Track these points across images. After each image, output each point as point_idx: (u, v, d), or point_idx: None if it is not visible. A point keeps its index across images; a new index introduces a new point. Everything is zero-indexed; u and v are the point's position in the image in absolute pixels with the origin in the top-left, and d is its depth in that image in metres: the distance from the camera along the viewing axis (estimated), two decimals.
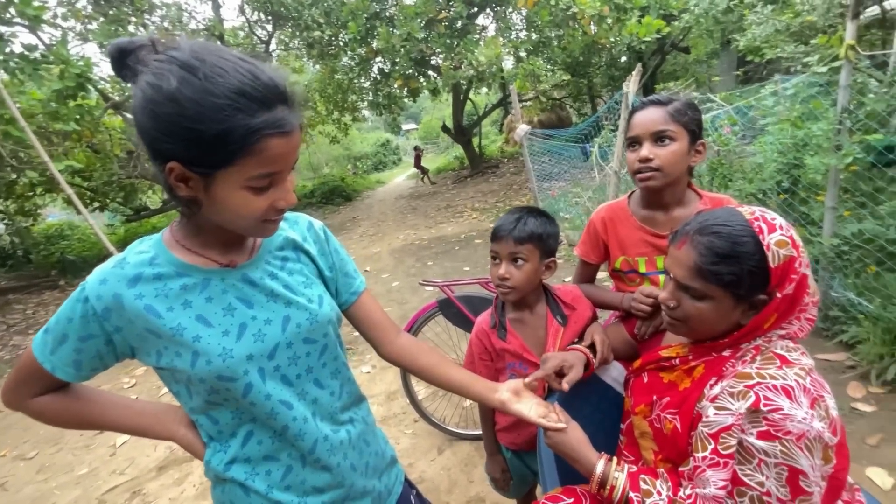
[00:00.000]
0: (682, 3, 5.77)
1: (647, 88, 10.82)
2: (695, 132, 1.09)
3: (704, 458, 0.76)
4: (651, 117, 1.07)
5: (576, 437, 0.90)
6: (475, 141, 15.35)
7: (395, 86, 8.39)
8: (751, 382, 0.74)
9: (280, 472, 0.75)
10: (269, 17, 10.09)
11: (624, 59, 11.10)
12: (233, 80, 0.56)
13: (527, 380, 0.93)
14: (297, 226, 0.84)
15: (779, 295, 0.75)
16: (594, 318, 1.23)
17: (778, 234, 0.75)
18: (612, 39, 7.14)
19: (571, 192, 5.86)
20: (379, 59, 9.10)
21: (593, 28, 7.17)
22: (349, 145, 23.19)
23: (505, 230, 1.11)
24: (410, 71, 8.25)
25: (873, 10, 2.48)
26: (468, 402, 2.55)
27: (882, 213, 2.48)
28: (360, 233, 8.88)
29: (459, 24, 7.99)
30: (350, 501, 0.81)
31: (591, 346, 1.08)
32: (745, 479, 0.71)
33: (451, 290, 2.19)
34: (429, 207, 10.06)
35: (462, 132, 13.84)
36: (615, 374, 1.14)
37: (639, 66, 3.75)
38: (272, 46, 11.32)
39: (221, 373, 0.68)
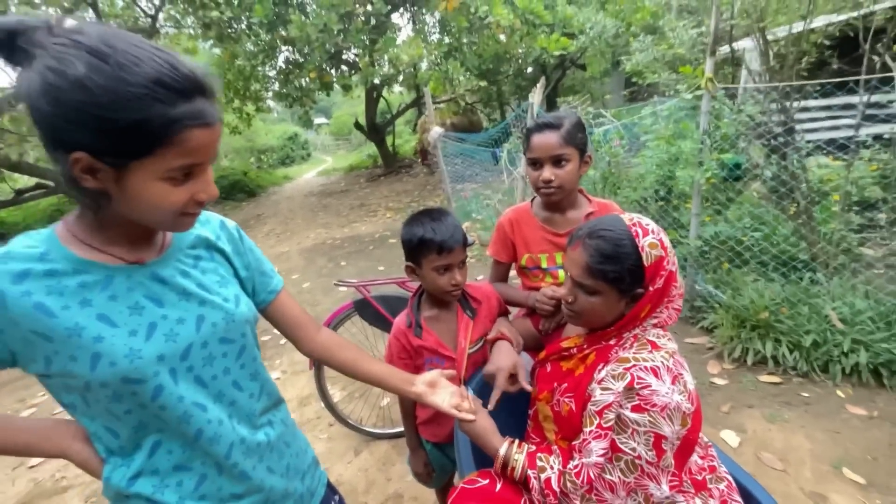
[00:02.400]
0: (581, 25, 6.34)
1: (549, 100, 11.66)
2: (583, 149, 1.25)
3: (591, 431, 0.88)
4: (548, 142, 1.21)
5: (482, 426, 0.98)
6: (389, 140, 15.26)
7: (308, 78, 8.02)
8: (628, 365, 0.87)
9: (193, 482, 0.71)
10: None
11: (530, 70, 11.84)
12: (149, 69, 0.54)
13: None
14: (210, 224, 0.80)
15: (651, 289, 0.89)
16: (504, 313, 1.33)
17: (650, 238, 0.89)
18: (521, 50, 7.60)
19: (483, 193, 6.13)
20: (287, 47, 8.63)
21: (504, 38, 7.56)
22: (252, 137, 21.59)
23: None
24: (325, 64, 7.97)
25: (726, 49, 2.97)
26: (385, 402, 2.57)
27: (731, 219, 2.98)
28: (265, 231, 8.37)
29: (375, 20, 7.89)
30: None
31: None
32: (622, 447, 0.84)
33: (367, 290, 2.19)
34: (341, 206, 9.80)
35: (376, 130, 13.68)
36: (525, 361, 1.25)
37: (542, 80, 4.06)
38: (160, 22, 10.14)
39: (128, 374, 0.63)
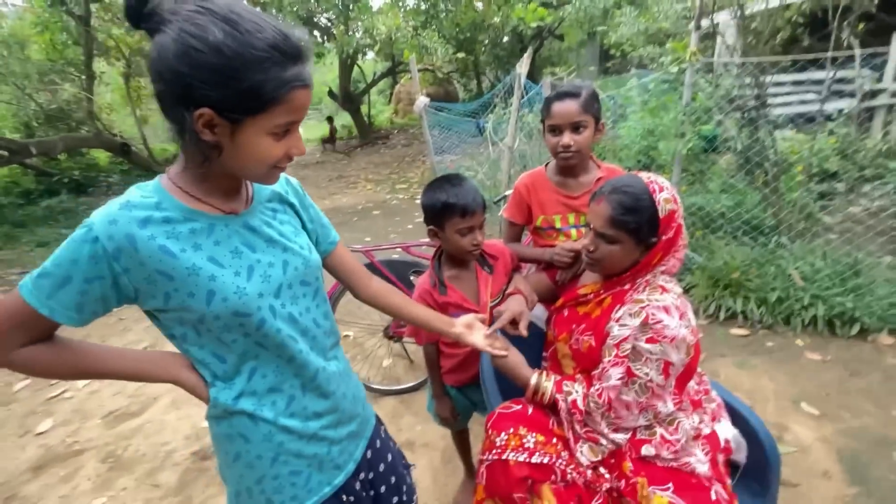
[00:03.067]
0: None
1: (530, 71, 11.62)
2: (598, 117, 1.36)
3: (609, 361, 1.02)
4: (569, 110, 1.32)
5: (514, 360, 1.12)
6: (364, 110, 14.91)
7: None
8: (643, 304, 1.01)
9: (284, 402, 0.81)
10: None
11: (506, 39, 11.74)
12: (269, 36, 0.60)
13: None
14: (279, 181, 0.88)
15: (663, 238, 1.03)
16: (517, 268, 1.46)
17: (666, 193, 1.02)
18: (498, 19, 7.53)
19: (464, 165, 6.18)
20: (256, 9, 8.25)
21: (481, 6, 7.46)
22: None
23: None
24: None
25: (706, 23, 3.10)
26: (388, 362, 2.70)
27: (708, 189, 3.19)
28: None
29: None
30: (342, 425, 0.90)
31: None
32: (637, 372, 0.99)
33: (373, 255, 2.28)
34: (319, 178, 9.64)
35: (350, 100, 13.33)
36: (538, 313, 1.39)
37: (529, 50, 4.11)
38: None
39: (238, 309, 0.72)
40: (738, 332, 2.56)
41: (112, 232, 0.64)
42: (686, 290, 2.97)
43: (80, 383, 2.88)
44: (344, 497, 0.94)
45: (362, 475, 0.98)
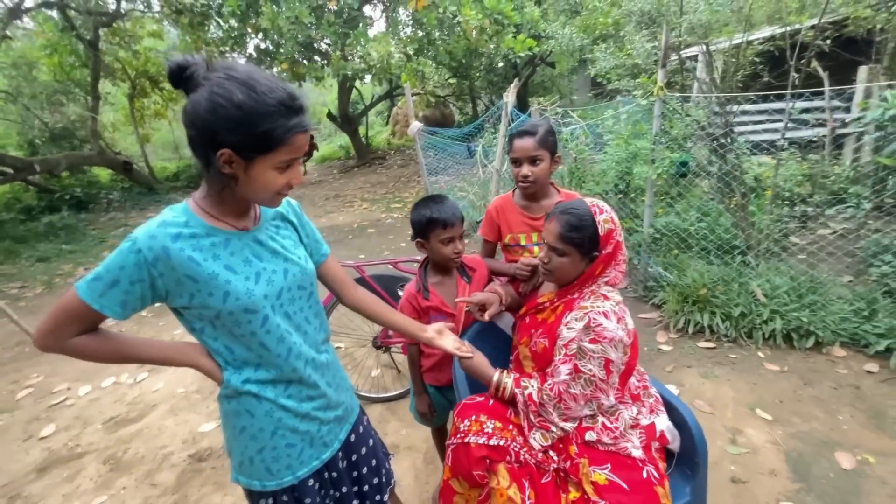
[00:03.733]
0: (547, 31, 6.69)
1: (520, 97, 12.04)
2: (553, 151, 1.57)
3: (559, 359, 1.20)
4: (526, 145, 1.54)
5: (479, 361, 1.29)
6: (361, 131, 15.27)
7: (280, 69, 8.04)
8: (586, 310, 1.19)
9: (283, 386, 0.99)
10: None
11: (501, 65, 12.17)
12: (277, 95, 0.80)
13: (458, 300, 1.28)
14: (281, 203, 1.07)
15: (603, 252, 1.22)
16: (490, 280, 1.65)
17: (605, 216, 1.22)
18: (491, 48, 7.88)
19: (457, 186, 6.42)
20: (259, 36, 8.60)
21: (474, 35, 7.82)
22: None
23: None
24: (297, 55, 8.01)
25: (675, 59, 3.38)
26: (376, 372, 2.85)
27: (680, 212, 3.40)
28: None
29: (347, 13, 7.98)
30: (330, 409, 1.07)
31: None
32: (582, 368, 1.16)
33: (363, 270, 2.46)
34: (316, 196, 9.87)
35: (349, 121, 13.69)
36: (506, 321, 1.57)
37: (515, 81, 4.38)
38: (124, 5, 9.83)
39: (248, 307, 0.89)
40: (705, 345, 2.73)
41: (152, 244, 0.83)
42: (658, 307, 3.16)
43: (81, 391, 3.00)
44: (327, 473, 1.10)
45: (344, 455, 1.14)
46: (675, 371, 2.54)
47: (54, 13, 9.25)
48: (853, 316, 2.55)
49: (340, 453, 1.13)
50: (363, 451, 1.20)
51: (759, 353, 2.60)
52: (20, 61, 9.53)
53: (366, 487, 1.20)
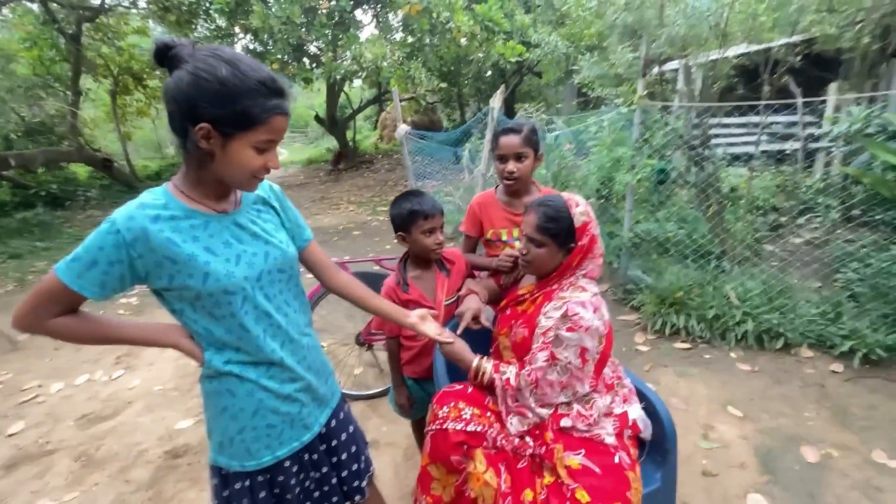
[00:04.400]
0: (536, 39, 6.84)
1: (507, 104, 12.19)
2: (537, 149, 1.62)
3: (537, 347, 1.23)
4: (512, 142, 1.58)
5: (460, 347, 1.32)
6: (349, 134, 15.26)
7: (272, 69, 8.01)
8: (565, 300, 1.23)
9: (264, 368, 0.99)
10: None
11: (489, 73, 12.34)
12: (260, 75, 0.83)
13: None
14: (262, 187, 1.08)
15: (579, 244, 1.26)
16: (471, 274, 1.68)
17: (580, 208, 1.26)
18: (481, 54, 8.00)
19: (443, 190, 6.47)
20: (247, 36, 8.56)
21: (464, 41, 7.93)
22: None
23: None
24: (286, 57, 7.99)
25: (656, 70, 3.49)
26: (358, 371, 2.85)
27: (658, 218, 3.50)
28: None
29: (339, 16, 8.02)
30: (310, 391, 1.08)
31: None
32: (558, 356, 1.20)
33: (347, 267, 2.46)
34: (301, 198, 9.81)
35: (336, 125, 13.67)
36: (487, 314, 1.60)
37: (503, 87, 4.46)
38: (109, 0, 9.69)
39: (227, 288, 0.90)
40: (681, 345, 2.81)
41: (130, 225, 0.83)
42: (636, 309, 3.23)
43: (53, 388, 2.93)
44: (307, 456, 1.11)
45: (323, 440, 1.15)
46: (651, 370, 2.61)
47: (35, 6, 9.07)
48: (820, 318, 2.66)
49: (320, 437, 1.14)
50: (343, 437, 1.20)
51: (732, 354, 2.68)
52: None
53: (344, 473, 1.20)
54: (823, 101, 4.91)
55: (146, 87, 11.44)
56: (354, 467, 1.22)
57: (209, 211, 0.93)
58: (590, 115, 4.21)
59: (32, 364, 3.28)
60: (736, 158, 4.29)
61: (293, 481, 1.07)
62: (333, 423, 1.18)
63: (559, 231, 1.24)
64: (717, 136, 5.67)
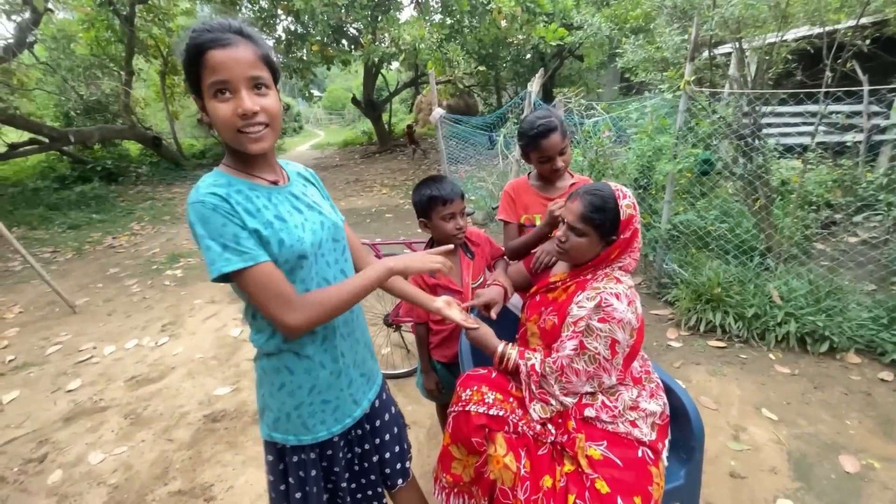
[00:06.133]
0: (579, 20, 6.61)
1: (546, 89, 11.89)
2: (566, 134, 1.61)
3: (567, 335, 1.22)
4: (555, 142, 1.56)
5: (485, 332, 1.32)
6: (385, 117, 15.32)
7: (312, 51, 8.11)
8: (599, 290, 1.21)
9: (320, 342, 1.02)
10: None
11: (528, 56, 12.03)
12: (204, 24, 0.83)
13: (463, 305, 1.31)
14: (298, 166, 1.11)
15: (622, 237, 1.23)
16: (500, 255, 1.69)
17: (627, 200, 1.23)
18: (521, 37, 7.81)
19: (476, 175, 6.43)
20: (288, 18, 8.68)
21: (504, 24, 7.75)
22: None
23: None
24: (327, 38, 8.06)
25: (706, 54, 3.31)
26: (386, 351, 2.92)
27: (699, 209, 3.36)
28: None
29: None
30: (357, 366, 1.12)
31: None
32: (587, 345, 1.19)
33: (378, 249, 2.51)
34: (336, 180, 9.99)
35: (373, 107, 13.75)
36: (514, 301, 1.60)
37: (541, 70, 4.35)
38: None
39: (301, 252, 0.93)
40: (716, 344, 2.72)
41: (219, 197, 0.86)
42: (670, 304, 3.14)
43: (106, 351, 3.15)
44: (353, 431, 1.15)
45: (367, 417, 1.18)
46: (682, 367, 2.54)
47: None
48: (871, 323, 2.50)
49: (364, 415, 1.17)
50: (386, 417, 1.23)
51: (770, 355, 2.57)
52: (59, 34, 9.83)
53: (387, 454, 1.23)
54: (894, 90, 4.52)
55: None
56: (396, 449, 1.25)
57: (265, 183, 0.96)
58: (631, 101, 4.05)
59: (88, 327, 3.54)
60: (789, 150, 4.02)
61: (340, 454, 1.11)
62: (377, 402, 1.21)
63: (603, 222, 1.22)
64: (769, 125, 5.34)
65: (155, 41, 10.93)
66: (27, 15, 7.47)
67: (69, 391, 2.71)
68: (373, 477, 1.21)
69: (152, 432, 2.31)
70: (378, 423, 1.21)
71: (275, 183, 0.98)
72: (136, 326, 3.52)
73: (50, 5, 8.11)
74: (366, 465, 1.19)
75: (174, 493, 1.92)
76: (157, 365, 2.95)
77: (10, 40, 7.63)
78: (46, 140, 8.99)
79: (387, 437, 1.22)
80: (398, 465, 1.25)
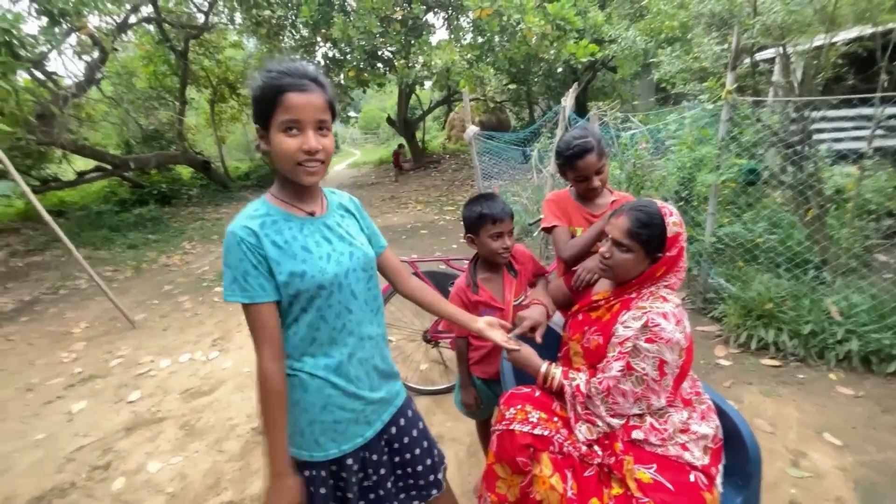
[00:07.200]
0: (609, 35, 6.56)
1: (579, 102, 11.79)
2: (604, 153, 1.62)
3: (613, 356, 1.21)
4: (590, 162, 1.58)
5: (527, 353, 1.33)
6: (418, 135, 15.64)
7: (348, 76, 8.46)
8: (645, 310, 1.20)
9: (334, 364, 1.07)
10: None
11: (560, 70, 12.01)
12: (280, 67, 0.95)
13: (510, 335, 1.31)
14: (343, 197, 1.18)
15: (668, 254, 1.22)
16: (541, 273, 1.69)
17: (674, 218, 1.22)
18: (552, 53, 7.83)
19: (510, 190, 6.43)
20: (327, 45, 9.10)
21: (534, 41, 7.81)
22: None
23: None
24: (363, 63, 8.38)
25: (747, 62, 3.22)
26: (424, 366, 2.94)
27: (745, 221, 3.23)
28: None
29: (412, 22, 8.26)
30: (375, 390, 1.15)
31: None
32: (635, 366, 1.17)
33: (416, 266, 2.56)
34: (373, 198, 10.24)
35: (407, 126, 14.08)
36: (556, 319, 1.60)
37: (575, 85, 4.34)
38: (212, 18, 10.77)
39: (321, 283, 1.00)
40: (769, 362, 2.58)
41: (247, 232, 0.96)
42: (717, 320, 3.01)
43: (163, 364, 3.34)
44: (367, 454, 1.16)
45: (391, 439, 1.20)
46: (733, 387, 2.42)
47: (152, 27, 10.33)
48: None
49: (386, 439, 1.19)
50: (414, 433, 1.25)
51: (831, 375, 2.42)
52: (122, 70, 10.70)
53: (420, 467, 1.24)
54: None
55: (239, 95, 12.58)
56: (429, 461, 1.26)
57: (302, 214, 1.04)
58: (669, 111, 3.97)
59: (146, 342, 3.77)
60: (843, 157, 3.81)
61: (353, 479, 1.13)
62: (402, 421, 1.23)
63: (650, 238, 1.21)
64: (820, 130, 5.08)
65: (206, 72, 11.71)
66: (96, 54, 8.20)
67: (130, 402, 2.89)
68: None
69: (205, 443, 2.43)
70: (406, 439, 1.22)
71: (312, 214, 1.05)
72: (189, 341, 3.71)
73: (115, 45, 8.87)
74: (381, 492, 1.19)
75: (226, 503, 2.00)
76: (209, 378, 3.10)
77: (81, 78, 8.38)
78: (109, 167, 9.75)
79: (417, 451, 1.24)
80: (431, 477, 1.25)
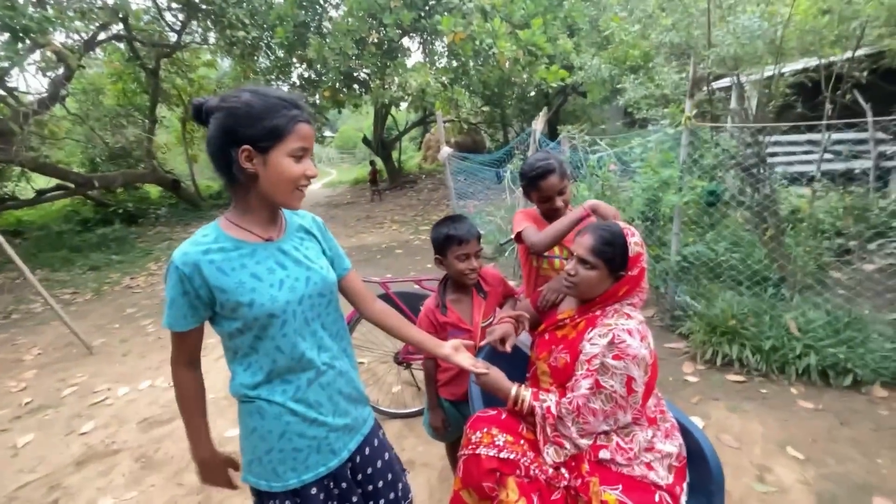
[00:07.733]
0: (578, 63, 6.85)
1: (551, 125, 12.16)
2: (566, 175, 1.67)
3: (581, 374, 1.22)
4: (552, 183, 1.64)
5: (495, 376, 1.32)
6: (394, 155, 15.74)
7: (324, 96, 8.50)
8: (611, 327, 1.22)
9: (291, 391, 1.04)
10: (183, 5, 9.57)
11: (533, 94, 12.40)
12: (278, 94, 0.96)
13: (482, 343, 1.32)
14: (305, 218, 1.16)
15: (630, 273, 1.25)
16: (510, 294, 1.70)
17: (635, 238, 1.26)
18: (524, 77, 8.10)
19: (485, 210, 6.52)
20: (303, 66, 9.13)
21: (507, 66, 8.06)
22: None
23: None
24: (339, 84, 8.44)
25: (705, 90, 3.39)
26: (396, 389, 2.89)
27: (708, 241, 3.35)
28: None
29: (387, 45, 8.40)
30: (339, 417, 1.11)
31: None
32: (603, 384, 1.18)
33: (388, 287, 2.54)
34: (348, 217, 10.19)
35: (383, 146, 14.17)
36: (522, 338, 1.60)
37: (545, 109, 4.49)
38: (185, 38, 10.69)
39: (272, 311, 0.98)
40: (735, 378, 2.64)
41: (185, 261, 0.95)
42: (685, 337, 3.08)
43: (120, 392, 3.18)
44: (333, 485, 1.12)
45: (356, 468, 1.16)
46: (700, 403, 2.47)
47: (122, 45, 10.15)
48: (895, 354, 2.42)
49: (351, 467, 1.15)
50: (378, 464, 1.21)
51: (792, 389, 2.49)
52: (89, 87, 10.45)
53: (381, 502, 1.20)
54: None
55: None
56: (392, 496, 1.22)
57: (256, 240, 1.02)
58: (635, 135, 4.14)
59: (104, 368, 3.58)
60: (795, 180, 4.03)
61: None
62: (367, 450, 1.19)
63: (613, 256, 1.24)
64: (774, 154, 5.37)
65: (178, 90, 11.54)
66: (61, 71, 7.99)
67: (82, 434, 2.72)
68: None
69: (163, 476, 2.29)
70: (370, 470, 1.19)
71: (269, 239, 1.04)
72: (151, 367, 3.55)
73: (82, 62, 8.67)
74: None
75: None
76: (170, 406, 2.95)
77: (44, 94, 8.12)
78: (72, 185, 9.39)
79: (380, 483, 1.20)
80: None
